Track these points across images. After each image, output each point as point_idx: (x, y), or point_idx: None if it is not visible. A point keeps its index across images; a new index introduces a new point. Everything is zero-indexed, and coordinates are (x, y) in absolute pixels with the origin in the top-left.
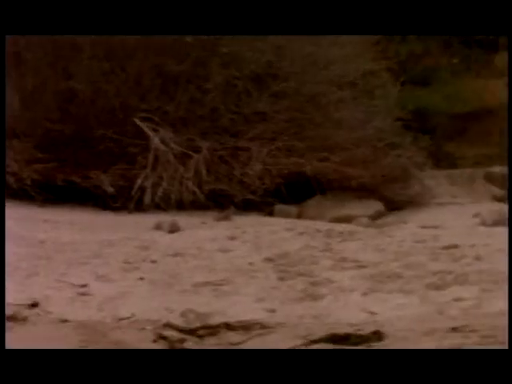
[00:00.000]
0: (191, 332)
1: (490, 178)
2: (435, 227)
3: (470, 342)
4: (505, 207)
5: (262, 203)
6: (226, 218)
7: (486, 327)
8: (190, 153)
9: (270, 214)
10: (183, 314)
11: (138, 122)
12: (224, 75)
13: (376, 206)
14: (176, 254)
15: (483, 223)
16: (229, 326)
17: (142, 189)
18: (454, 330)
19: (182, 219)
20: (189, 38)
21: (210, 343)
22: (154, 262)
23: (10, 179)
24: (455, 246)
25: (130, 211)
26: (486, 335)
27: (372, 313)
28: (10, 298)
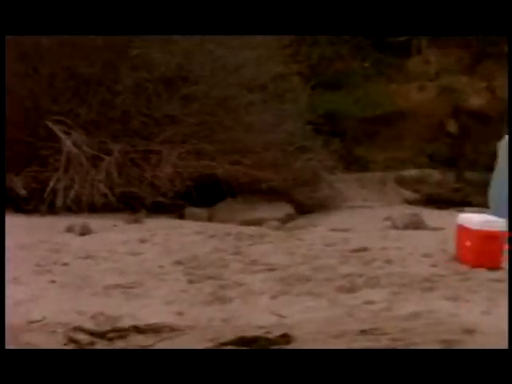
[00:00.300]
0: (101, 335)
1: (400, 182)
2: (345, 230)
3: (380, 345)
4: (416, 210)
5: (172, 206)
6: (137, 221)
7: (396, 330)
8: (102, 155)
9: (181, 216)
10: (94, 317)
11: (50, 124)
12: (134, 78)
13: (286, 209)
14: (87, 257)
15: (394, 226)
16: (138, 329)
17: (54, 191)
18: (364, 332)
19: (94, 222)
20: (99, 40)
21: (120, 346)
22: (65, 264)
23: None
24: (366, 249)
25: (43, 214)
26: (396, 338)
27: (281, 316)
28: None
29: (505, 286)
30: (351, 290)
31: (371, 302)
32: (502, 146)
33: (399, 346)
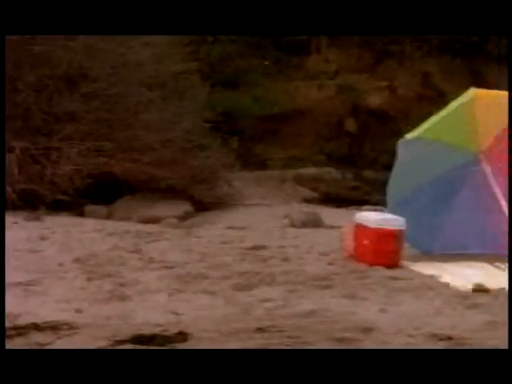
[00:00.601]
0: None
1: (299, 180)
2: (243, 228)
3: (276, 343)
4: (314, 208)
5: (72, 203)
6: (38, 219)
7: (292, 328)
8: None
9: (81, 214)
10: None
11: None
12: (36, 75)
13: (184, 206)
14: None
15: (292, 224)
16: (37, 327)
17: None
18: (260, 330)
19: None
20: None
21: (19, 343)
22: None
23: None
24: (263, 247)
25: None
26: (291, 335)
27: (177, 313)
28: None
29: (403, 283)
30: (248, 287)
31: (267, 300)
32: (401, 144)
33: (295, 343)
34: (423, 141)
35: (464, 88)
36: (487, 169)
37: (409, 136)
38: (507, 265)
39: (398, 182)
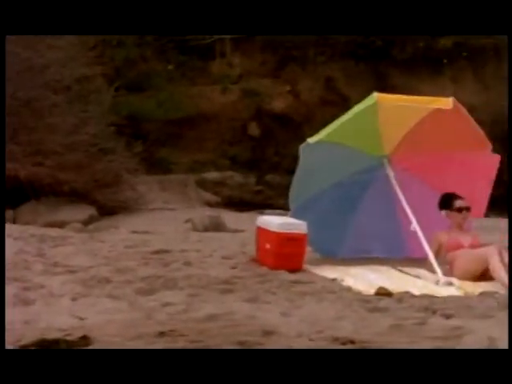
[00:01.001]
0: None
1: (202, 184)
2: (146, 232)
3: (178, 346)
4: (217, 212)
5: None
6: None
7: (194, 332)
8: None
9: None
10: None
11: None
12: None
13: (88, 211)
14: None
15: (195, 229)
16: None
17: None
18: (162, 334)
19: None
20: None
21: None
22: None
23: None
24: (166, 252)
25: None
26: (193, 340)
27: (80, 318)
28: None
29: (305, 287)
30: (150, 291)
31: (170, 304)
32: (303, 148)
33: (197, 347)
34: (326, 145)
35: (368, 92)
36: (391, 173)
37: (311, 140)
38: (410, 269)
39: (300, 186)
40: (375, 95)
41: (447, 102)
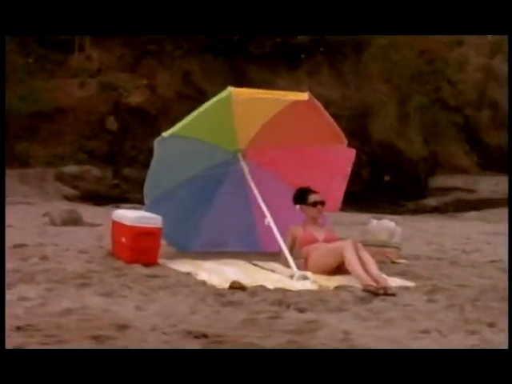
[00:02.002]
0: None
1: (60, 178)
2: (6, 226)
3: (34, 341)
4: (75, 206)
5: None
6: None
7: (50, 326)
8: None
9: None
10: None
11: None
12: None
13: None
14: None
15: (52, 223)
16: None
17: None
18: (19, 329)
19: None
20: None
21: None
22: None
23: None
24: (23, 246)
25: None
26: (49, 334)
27: None
28: None
29: (159, 281)
30: (8, 286)
31: (26, 299)
32: (158, 142)
33: (52, 342)
34: (180, 139)
35: (225, 87)
36: (245, 168)
37: (165, 134)
38: (265, 263)
39: (155, 181)
40: (229, 89)
41: (302, 96)
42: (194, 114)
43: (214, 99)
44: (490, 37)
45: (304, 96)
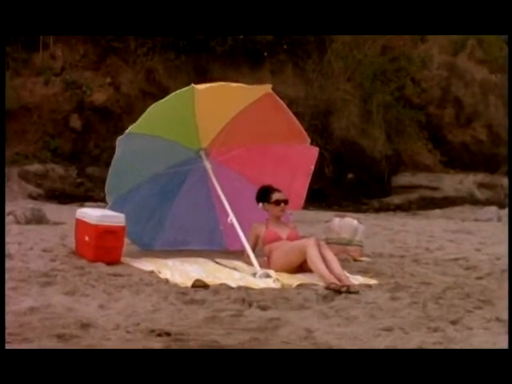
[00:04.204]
0: None
1: (24, 176)
2: None
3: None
4: (39, 205)
5: None
6: None
7: (14, 325)
8: None
9: None
10: None
11: None
12: None
13: None
14: None
15: (16, 221)
16: None
17: None
18: None
19: None
20: None
21: None
22: None
23: None
24: None
25: None
26: (12, 333)
27: None
28: None
29: (122, 280)
30: None
31: None
32: (120, 140)
33: (16, 341)
34: (143, 137)
35: (188, 84)
36: (208, 166)
37: (127, 131)
38: (228, 261)
39: (117, 179)
40: (191, 86)
41: (266, 88)
42: (156, 108)
43: (176, 97)
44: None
45: (267, 88)
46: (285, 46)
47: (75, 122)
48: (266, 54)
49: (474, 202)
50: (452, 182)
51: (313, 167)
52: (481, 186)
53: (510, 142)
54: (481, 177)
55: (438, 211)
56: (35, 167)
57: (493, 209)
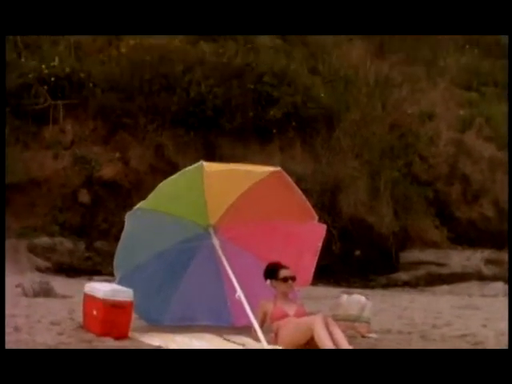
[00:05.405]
0: None
1: (33, 249)
2: None
3: None
4: (47, 278)
5: None
6: None
7: None
8: None
9: None
10: None
11: None
12: None
13: None
14: None
15: (25, 294)
16: None
17: None
18: None
19: None
20: None
21: None
22: None
23: None
24: None
25: None
26: None
27: None
28: None
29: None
30: None
31: None
32: (129, 215)
33: None
34: (152, 212)
35: (197, 161)
36: (216, 242)
37: (137, 207)
38: (236, 337)
39: (126, 254)
40: (200, 164)
41: (274, 169)
42: (165, 185)
43: (185, 174)
44: (461, 111)
45: (276, 169)
46: (294, 123)
47: (84, 196)
48: (274, 130)
49: (480, 277)
50: (459, 259)
51: (320, 244)
52: (488, 262)
53: (509, 147)
54: (488, 253)
55: (445, 287)
56: (43, 240)
57: (499, 284)
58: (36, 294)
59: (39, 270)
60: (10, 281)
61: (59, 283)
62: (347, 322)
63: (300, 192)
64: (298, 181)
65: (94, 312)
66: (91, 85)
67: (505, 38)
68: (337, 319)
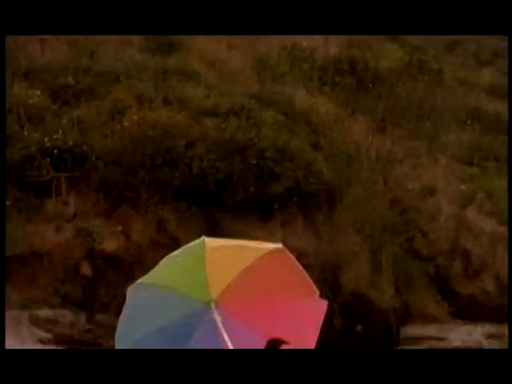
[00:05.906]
0: None
1: (34, 321)
2: None
3: None
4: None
5: None
6: None
7: None
8: None
9: None
10: None
11: None
12: None
13: None
14: None
15: None
16: None
17: None
18: None
19: None
20: None
21: None
22: None
23: None
24: None
25: None
26: None
27: None
28: None
29: None
30: None
31: None
32: (131, 290)
33: None
34: (153, 286)
35: (199, 236)
36: (217, 317)
37: (138, 281)
38: None
39: (127, 327)
40: (202, 239)
41: (276, 246)
42: (168, 260)
43: (187, 249)
44: (462, 186)
45: (278, 246)
46: (295, 199)
47: (86, 268)
48: (276, 205)
49: None
50: (460, 333)
51: (322, 320)
52: (488, 336)
53: (509, 148)
54: (488, 327)
55: None
56: (45, 312)
57: None
58: None
59: (41, 341)
60: None
61: None
62: None
63: (301, 268)
64: (300, 256)
65: None
66: (94, 158)
67: (505, 114)
68: None
